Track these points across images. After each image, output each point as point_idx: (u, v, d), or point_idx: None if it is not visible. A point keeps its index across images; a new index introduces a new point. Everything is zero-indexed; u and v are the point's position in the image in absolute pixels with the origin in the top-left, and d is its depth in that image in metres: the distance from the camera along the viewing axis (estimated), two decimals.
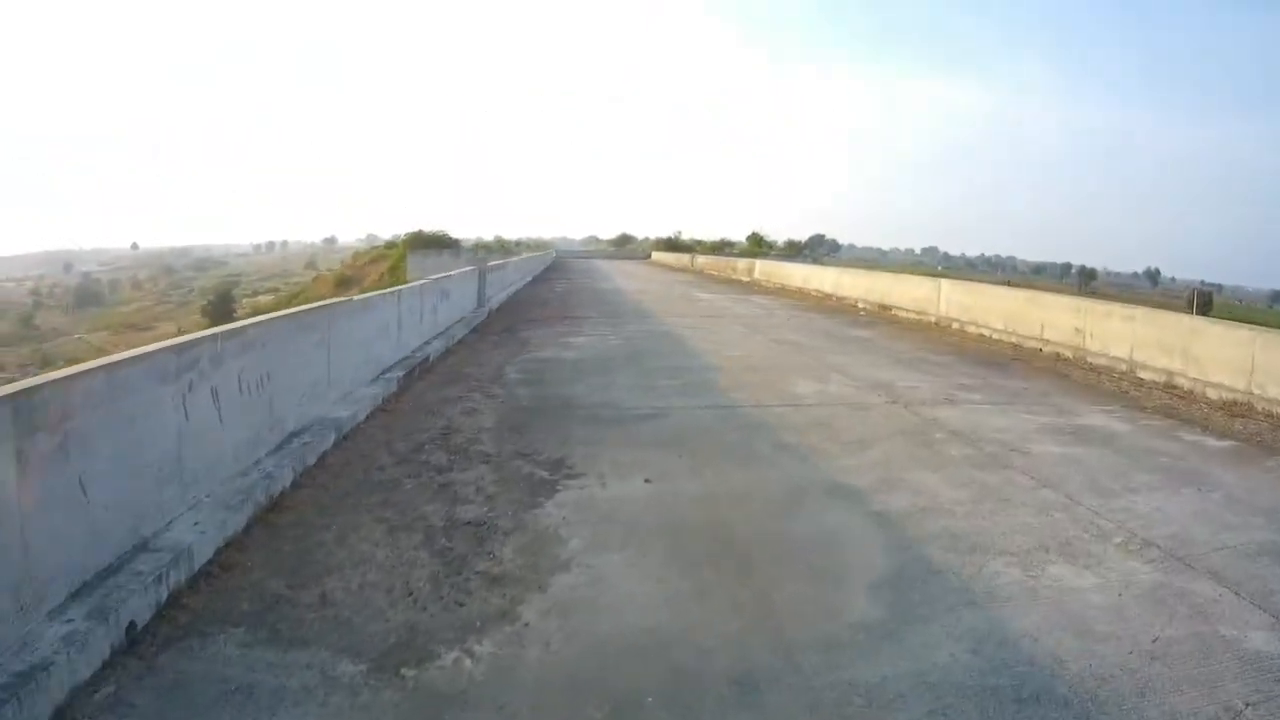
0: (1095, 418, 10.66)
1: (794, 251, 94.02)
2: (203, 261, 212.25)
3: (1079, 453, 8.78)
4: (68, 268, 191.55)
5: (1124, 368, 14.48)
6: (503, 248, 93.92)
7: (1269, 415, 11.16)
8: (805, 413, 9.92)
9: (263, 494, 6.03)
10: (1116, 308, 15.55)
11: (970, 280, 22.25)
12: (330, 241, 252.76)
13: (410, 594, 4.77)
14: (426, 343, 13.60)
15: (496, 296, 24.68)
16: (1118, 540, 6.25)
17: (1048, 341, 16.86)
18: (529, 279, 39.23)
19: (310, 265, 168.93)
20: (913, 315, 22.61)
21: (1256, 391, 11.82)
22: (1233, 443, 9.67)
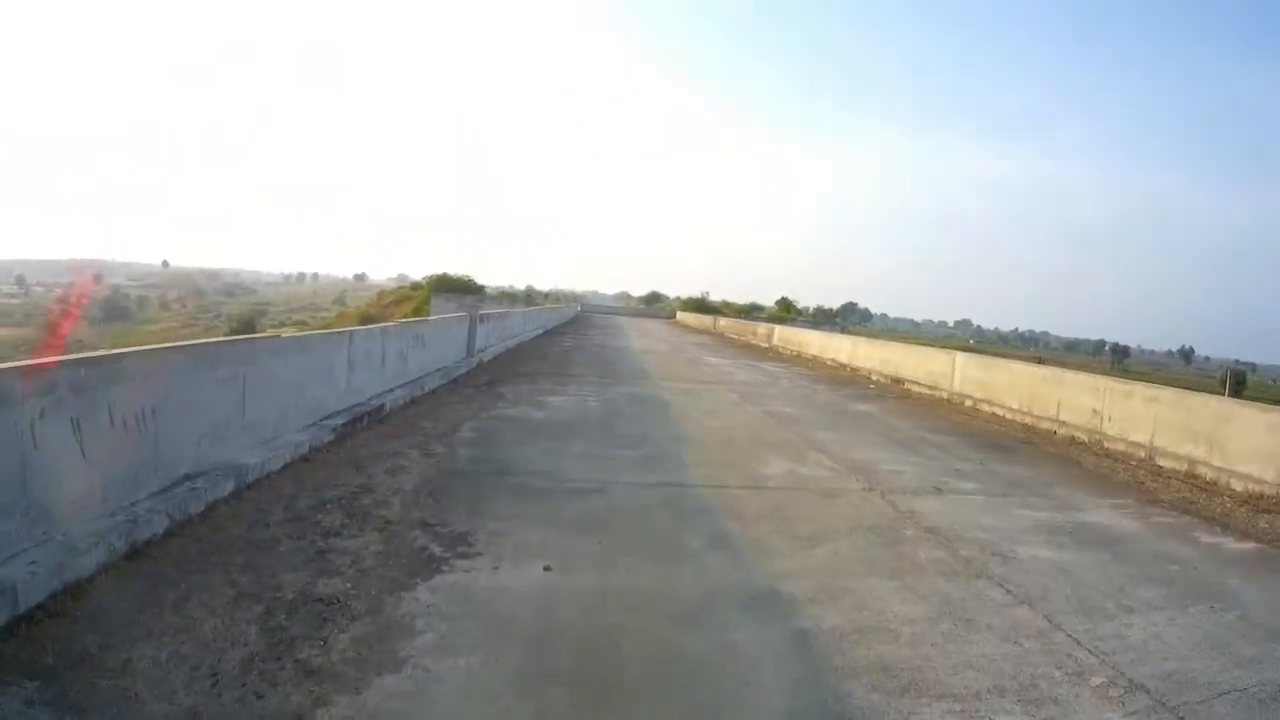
0: (1101, 514, 9.46)
1: (823, 319, 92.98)
2: (233, 286, 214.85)
3: (1073, 559, 7.56)
4: (98, 278, 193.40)
5: (1142, 454, 13.23)
6: (528, 298, 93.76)
7: None
8: (763, 498, 8.80)
9: (122, 539, 5.55)
10: (1139, 388, 14.31)
11: (987, 355, 20.86)
12: (361, 278, 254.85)
13: (214, 676, 4.22)
14: (389, 390, 12.78)
15: (494, 347, 23.81)
16: (1097, 681, 5.00)
17: (1063, 423, 15.64)
18: (540, 331, 38.51)
19: (339, 301, 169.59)
20: (925, 390, 21.51)
21: None
22: (1256, 545, 8.54)
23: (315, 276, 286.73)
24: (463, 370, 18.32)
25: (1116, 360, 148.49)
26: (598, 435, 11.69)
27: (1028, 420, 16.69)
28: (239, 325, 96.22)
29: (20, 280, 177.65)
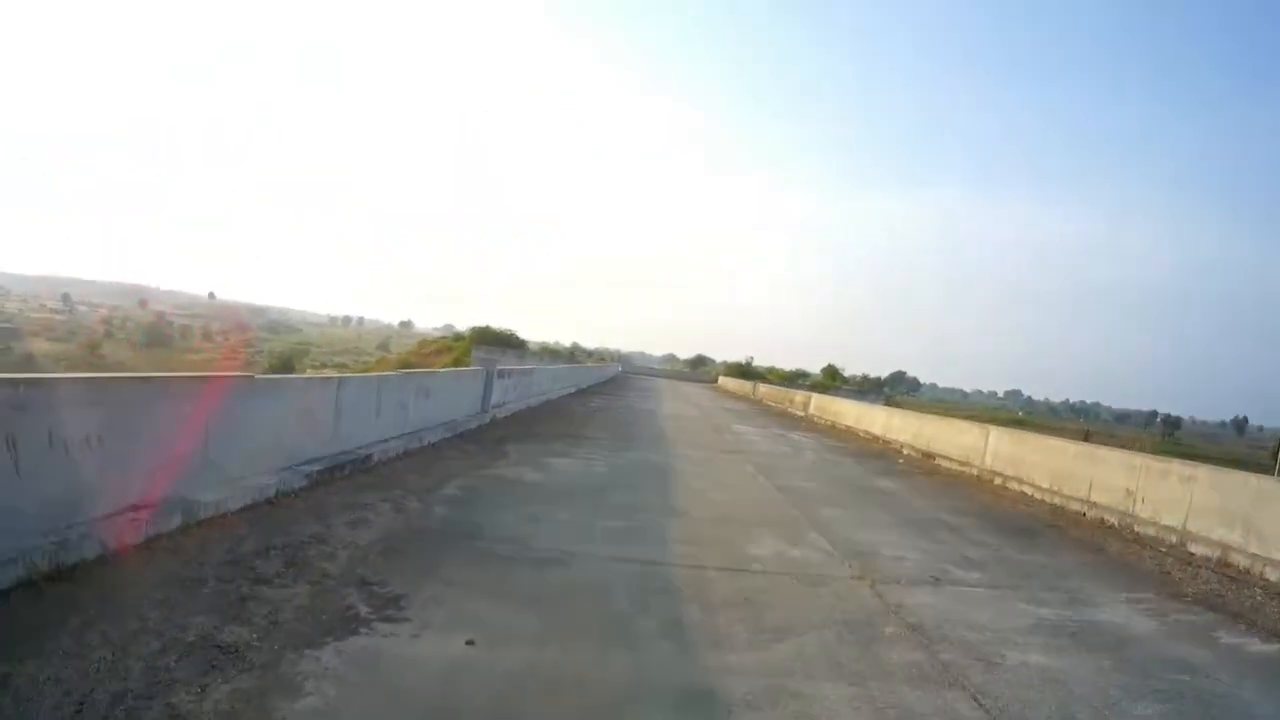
0: (1115, 610, 8.63)
1: (867, 388, 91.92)
2: (277, 324, 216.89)
3: (1069, 665, 6.75)
4: (142, 303, 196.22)
5: (1174, 539, 12.34)
6: (571, 354, 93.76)
7: None
8: (740, 582, 8.06)
9: (46, 559, 5.67)
10: (1175, 466, 13.40)
11: (1026, 428, 19.99)
12: (407, 325, 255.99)
13: (81, 705, 4.15)
14: (383, 440, 12.46)
15: (515, 403, 23.38)
16: None
17: (1093, 504, 14.74)
18: (571, 389, 38.10)
19: (383, 346, 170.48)
20: (956, 465, 20.60)
21: None
22: None
23: (361, 320, 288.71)
24: (473, 425, 17.93)
25: (1168, 432, 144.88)
26: (589, 503, 11.08)
27: (1056, 501, 15.77)
28: (278, 363, 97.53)
29: (66, 299, 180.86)
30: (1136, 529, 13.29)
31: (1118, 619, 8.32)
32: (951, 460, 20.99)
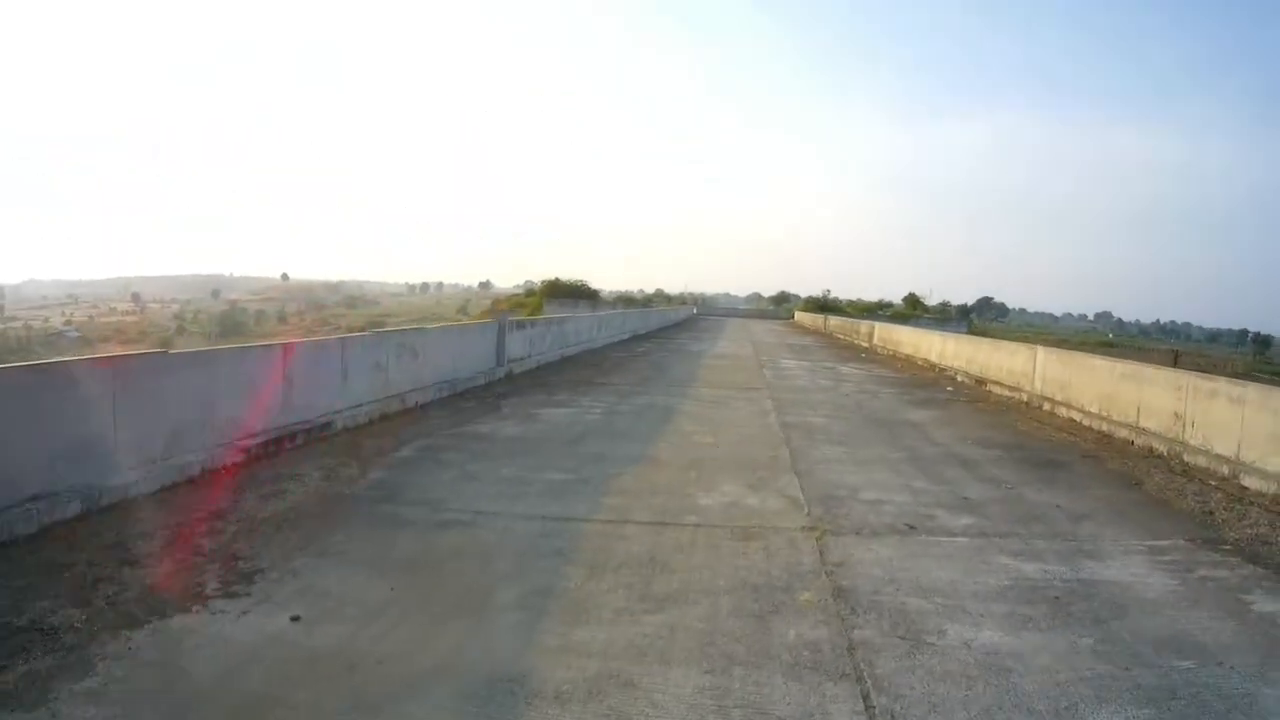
0: (1127, 564, 7.10)
1: (949, 315, 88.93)
2: (354, 299, 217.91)
3: (1030, 645, 5.34)
4: (215, 294, 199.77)
5: (1226, 470, 10.60)
6: (647, 301, 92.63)
7: None
8: (657, 539, 7.18)
9: None
10: (1223, 385, 11.54)
11: (1072, 350, 18.21)
12: (486, 285, 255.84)
13: None
14: (356, 406, 11.88)
15: (544, 354, 22.34)
16: None
17: (1142, 430, 12.98)
18: (625, 336, 36.93)
19: (462, 309, 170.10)
20: (1006, 391, 18.99)
21: None
22: None
23: (440, 286, 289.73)
24: (480, 382, 17.05)
25: (1259, 351, 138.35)
26: (550, 455, 10.41)
27: (1104, 427, 14.02)
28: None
29: (136, 298, 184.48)
30: (1186, 458, 11.52)
31: (1125, 576, 6.78)
32: (1002, 385, 19.55)
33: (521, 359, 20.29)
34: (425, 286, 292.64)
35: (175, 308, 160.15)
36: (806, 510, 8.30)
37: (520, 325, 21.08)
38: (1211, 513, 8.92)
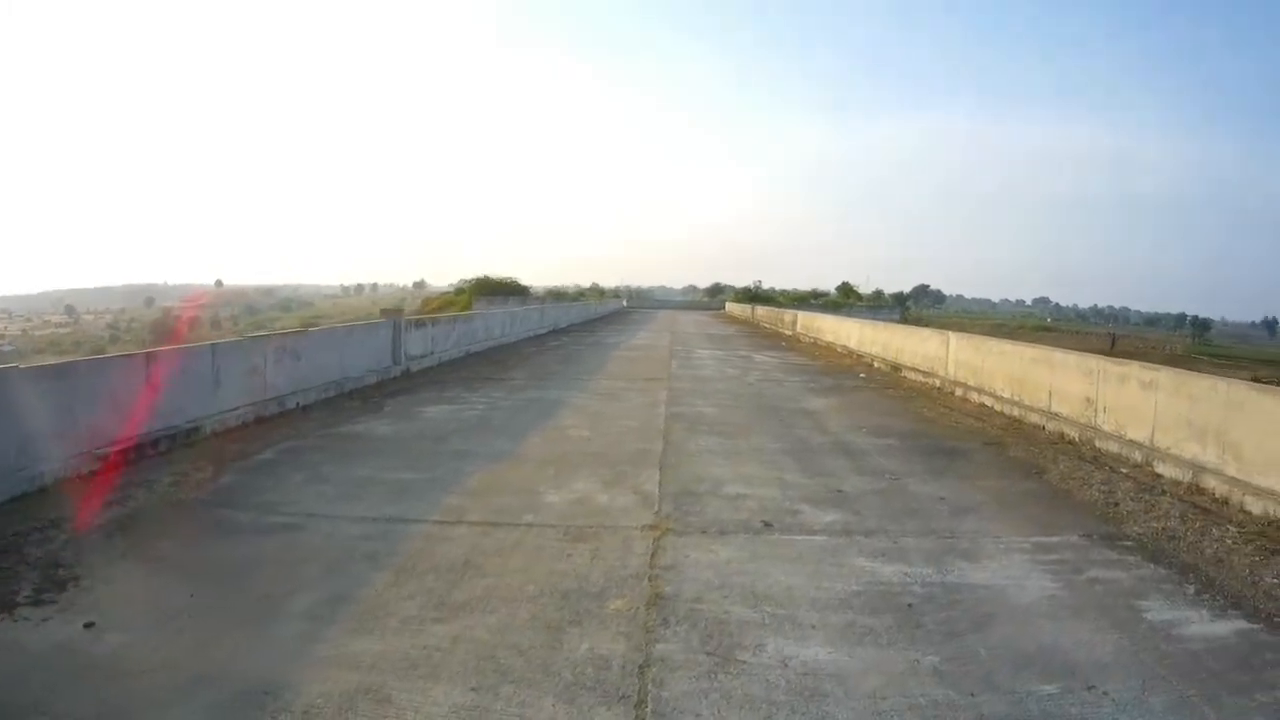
0: (1006, 564, 6.25)
1: (883, 304, 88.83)
2: (288, 301, 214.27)
3: (860, 664, 4.57)
4: (149, 302, 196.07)
5: (1138, 457, 9.77)
6: (579, 295, 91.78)
7: None
8: (484, 540, 6.61)
9: None
10: (1135, 369, 10.66)
11: (981, 336, 17.60)
12: (420, 285, 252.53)
13: None
14: (232, 409, 11.46)
15: (446, 352, 21.31)
16: None
17: (1054, 415, 12.15)
18: (541, 330, 35.64)
19: (396, 309, 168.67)
20: (920, 377, 18.33)
21: None
22: (1241, 624, 5.32)
23: (375, 287, 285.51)
24: (372, 381, 16.13)
25: (1197, 334, 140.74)
26: (410, 455, 9.76)
27: (1016, 412, 13.23)
28: None
29: (70, 310, 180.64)
30: (1098, 444, 10.71)
31: (999, 579, 5.89)
32: (917, 371, 18.92)
33: (421, 357, 19.40)
34: (360, 288, 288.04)
35: (109, 318, 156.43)
36: (656, 508, 7.50)
37: (419, 324, 20.33)
38: (1117, 504, 8.05)
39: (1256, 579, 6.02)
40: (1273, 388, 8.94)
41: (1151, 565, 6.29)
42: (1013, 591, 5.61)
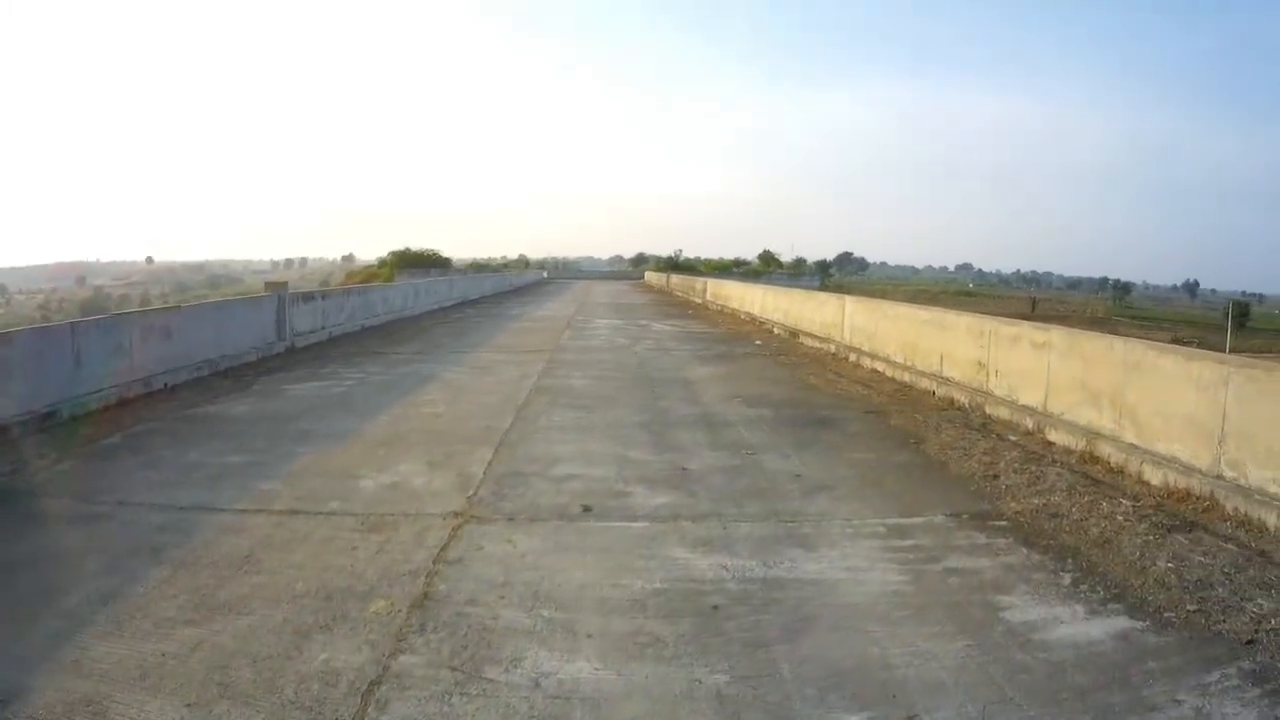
0: (849, 552, 5.42)
1: (804, 271, 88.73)
2: (218, 278, 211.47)
3: (626, 686, 3.76)
4: (80, 280, 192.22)
5: (1029, 424, 9.08)
6: (503, 267, 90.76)
7: (1243, 522, 6.06)
8: (280, 530, 5.95)
9: None
10: (1026, 330, 10.00)
11: (877, 300, 17.21)
12: (349, 259, 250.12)
13: None
14: (97, 391, 10.77)
15: (338, 327, 20.51)
16: None
17: (945, 380, 11.46)
18: (448, 303, 34.33)
19: (324, 282, 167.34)
20: (817, 344, 17.77)
21: (1227, 474, 6.53)
22: (1122, 623, 4.55)
23: (304, 261, 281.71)
24: (253, 358, 15.32)
25: (1118, 297, 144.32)
26: (251, 436, 9.05)
27: (907, 377, 12.56)
28: None
29: (1, 290, 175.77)
30: (988, 410, 10.04)
31: (836, 571, 5.07)
32: (814, 337, 18.41)
33: (309, 332, 18.52)
34: (290, 262, 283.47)
35: (40, 298, 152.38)
36: (473, 491, 6.73)
37: (308, 297, 19.46)
38: (997, 476, 7.27)
39: (1147, 564, 5.26)
40: (1172, 346, 8.39)
41: (1024, 550, 5.50)
42: (847, 587, 4.78)
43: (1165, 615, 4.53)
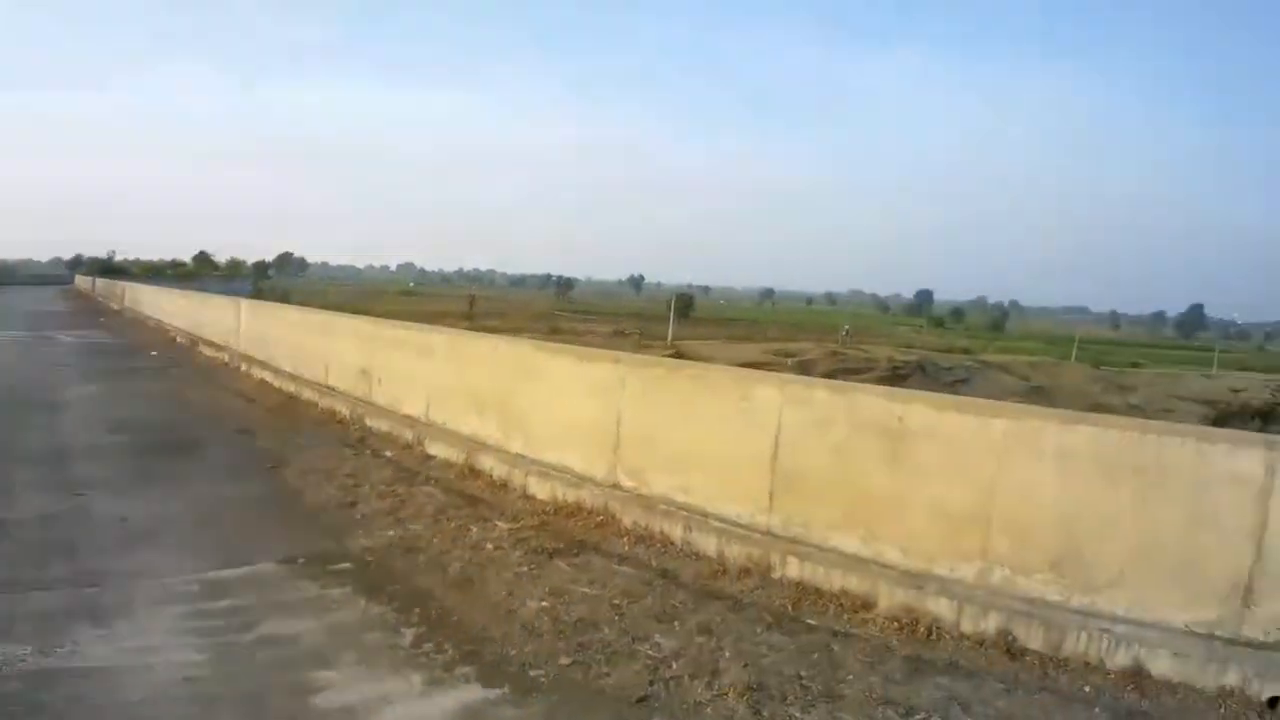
0: (149, 624, 4.47)
1: (238, 273, 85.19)
2: None
3: None
4: None
5: (411, 436, 8.73)
6: None
7: (643, 537, 5.97)
8: None
9: None
10: (414, 335, 9.86)
11: (272, 304, 17.39)
12: None
13: None
14: None
15: None
16: None
17: (330, 390, 11.00)
18: None
19: None
20: (214, 352, 16.88)
21: (625, 482, 6.44)
22: (476, 695, 3.90)
23: None
24: None
25: (561, 292, 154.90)
26: None
27: (293, 388, 11.92)
28: None
29: None
30: (369, 422, 9.61)
31: (126, 656, 4.10)
32: (213, 346, 17.39)
33: None
34: None
35: None
36: None
37: None
38: (354, 504, 6.74)
39: (516, 604, 4.72)
40: (566, 347, 8.61)
41: (363, 601, 4.84)
42: (132, 679, 3.90)
43: (531, 675, 3.96)
